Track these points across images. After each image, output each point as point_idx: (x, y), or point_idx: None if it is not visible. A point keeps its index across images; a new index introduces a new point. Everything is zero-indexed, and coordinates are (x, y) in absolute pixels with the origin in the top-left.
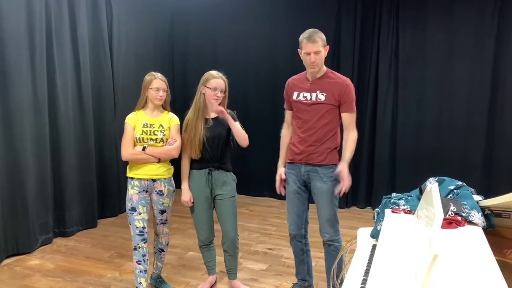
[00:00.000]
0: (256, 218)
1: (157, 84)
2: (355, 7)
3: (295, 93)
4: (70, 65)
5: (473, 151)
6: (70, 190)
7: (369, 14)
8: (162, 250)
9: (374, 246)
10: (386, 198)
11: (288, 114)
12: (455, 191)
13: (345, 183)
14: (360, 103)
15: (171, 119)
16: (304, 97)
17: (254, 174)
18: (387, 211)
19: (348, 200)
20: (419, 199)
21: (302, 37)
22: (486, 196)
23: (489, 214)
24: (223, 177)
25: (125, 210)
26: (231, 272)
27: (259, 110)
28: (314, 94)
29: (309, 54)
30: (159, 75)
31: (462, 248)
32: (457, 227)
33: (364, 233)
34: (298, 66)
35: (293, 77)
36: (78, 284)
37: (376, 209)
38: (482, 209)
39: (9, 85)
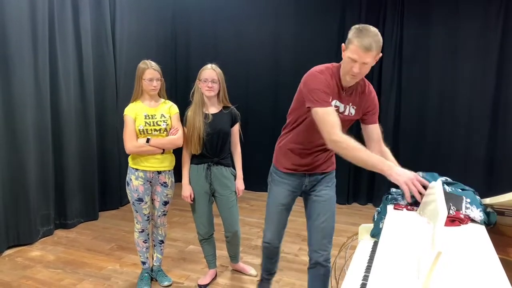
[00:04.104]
0: (256, 213)
1: (150, 75)
2: (360, 4)
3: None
4: (73, 56)
5: (476, 149)
6: (72, 182)
7: (373, 12)
8: (162, 242)
9: (375, 243)
10: (386, 195)
11: (335, 114)
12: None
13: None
14: None
15: (170, 108)
16: (336, 106)
17: (255, 169)
18: (389, 207)
19: (349, 196)
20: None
21: (355, 35)
22: (488, 194)
23: (491, 212)
24: (222, 172)
25: (126, 203)
26: (234, 257)
27: (260, 106)
28: (347, 107)
29: (355, 61)
30: (152, 64)
31: (464, 246)
32: (460, 225)
33: (365, 229)
34: (301, 63)
35: (326, 71)
36: (79, 276)
37: (377, 209)
38: (485, 207)
39: (12, 76)
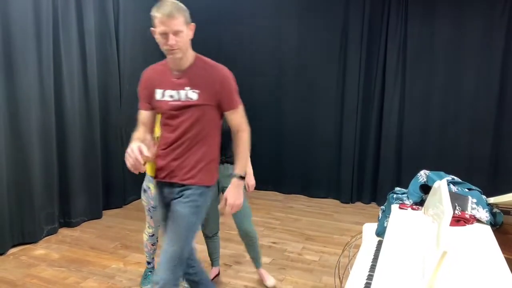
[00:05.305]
0: (260, 212)
1: None
2: (363, 2)
3: (159, 92)
4: (77, 56)
5: (481, 147)
6: (76, 181)
7: (377, 8)
8: None
9: (379, 242)
10: (391, 193)
11: (143, 115)
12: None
13: (230, 201)
14: (367, 99)
15: None
16: (170, 96)
17: (258, 169)
18: (394, 207)
19: (353, 195)
20: (420, 188)
21: (155, 11)
22: (493, 192)
23: (497, 213)
24: (229, 171)
25: (130, 202)
26: (254, 259)
27: (263, 105)
28: (183, 93)
29: (165, 34)
30: None
31: (470, 245)
32: (465, 225)
33: (369, 228)
34: (304, 60)
35: (153, 67)
36: (83, 274)
37: (381, 207)
38: (491, 206)
39: (16, 76)
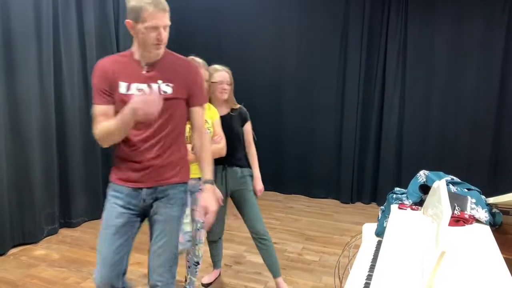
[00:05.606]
0: (262, 212)
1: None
2: (363, 2)
3: (123, 84)
4: (77, 56)
5: (480, 149)
6: (76, 181)
7: (377, 9)
8: (198, 263)
9: (379, 242)
10: (390, 193)
11: (103, 109)
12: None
13: (212, 209)
14: (367, 99)
15: (213, 112)
16: (138, 90)
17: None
18: (394, 207)
19: (353, 195)
20: (420, 188)
21: (144, 2)
22: (493, 193)
23: (496, 213)
24: (237, 173)
25: None
26: (270, 268)
27: (264, 104)
28: (155, 86)
29: (156, 28)
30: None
31: (469, 245)
32: (464, 225)
33: (369, 228)
34: (304, 59)
35: (112, 58)
36: (83, 274)
37: (381, 207)
38: (490, 206)
39: (17, 77)
